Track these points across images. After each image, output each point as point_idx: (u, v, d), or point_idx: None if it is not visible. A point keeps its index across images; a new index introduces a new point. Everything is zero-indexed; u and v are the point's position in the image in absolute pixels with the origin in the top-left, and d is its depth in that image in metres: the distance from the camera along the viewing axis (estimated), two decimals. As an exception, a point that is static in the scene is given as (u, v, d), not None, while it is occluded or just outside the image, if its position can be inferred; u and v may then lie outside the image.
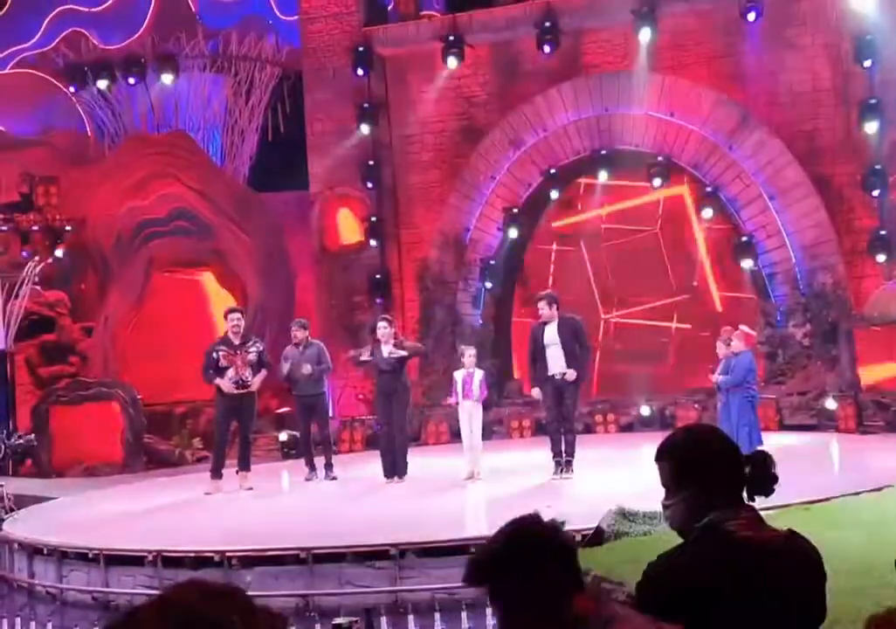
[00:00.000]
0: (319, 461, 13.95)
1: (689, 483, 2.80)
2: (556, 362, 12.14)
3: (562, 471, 12.23)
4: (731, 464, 2.81)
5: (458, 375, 13.01)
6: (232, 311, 13.70)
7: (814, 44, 17.95)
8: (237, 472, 13.53)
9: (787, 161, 17.73)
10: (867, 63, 17.22)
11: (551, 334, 12.19)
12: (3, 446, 13.35)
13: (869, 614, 2.54)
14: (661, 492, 2.94)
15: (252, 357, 13.10)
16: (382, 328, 12.99)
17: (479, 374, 12.93)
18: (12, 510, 12.93)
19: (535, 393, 12.52)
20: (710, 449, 2.83)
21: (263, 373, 13.26)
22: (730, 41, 18.24)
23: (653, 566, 2.73)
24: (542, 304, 12.36)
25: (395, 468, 12.98)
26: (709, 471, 2.78)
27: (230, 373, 13.00)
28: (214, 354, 13.09)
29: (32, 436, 13.47)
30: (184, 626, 1.65)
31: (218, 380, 13.02)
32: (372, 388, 15.64)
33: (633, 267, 18.92)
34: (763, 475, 2.83)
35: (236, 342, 13.16)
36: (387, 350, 12.91)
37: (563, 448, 12.29)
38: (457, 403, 13.06)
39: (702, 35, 18.45)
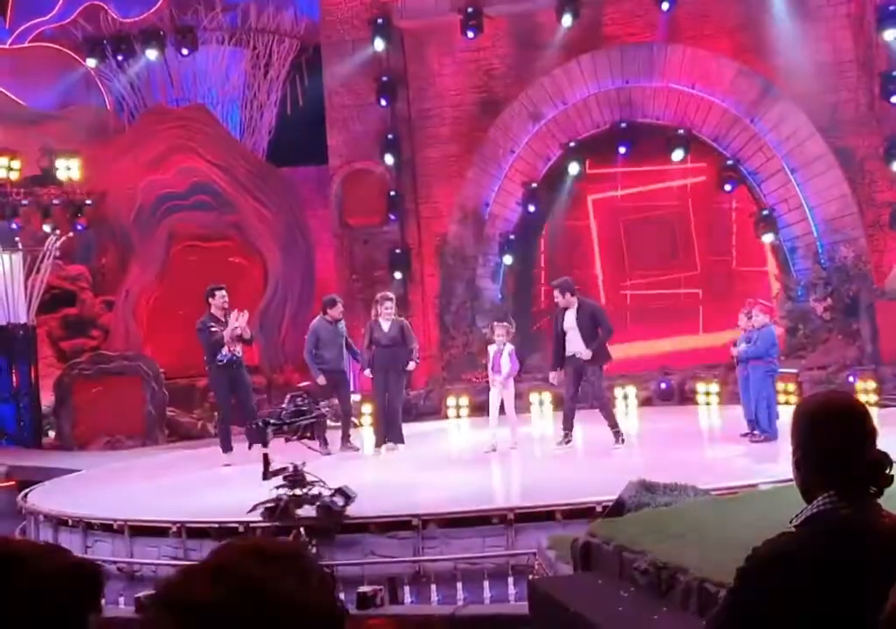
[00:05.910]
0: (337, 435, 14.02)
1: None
2: (575, 346, 12.45)
3: (620, 440, 12.57)
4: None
5: (491, 350, 13.34)
6: (219, 288, 13.67)
7: (836, 14, 17.77)
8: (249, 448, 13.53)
9: (808, 133, 17.59)
10: (890, 34, 17.06)
11: (570, 320, 12.49)
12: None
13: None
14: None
15: (238, 331, 13.19)
16: (389, 307, 13.58)
17: (508, 349, 13.07)
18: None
19: (552, 377, 12.76)
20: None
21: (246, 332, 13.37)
22: (752, 11, 18.05)
23: (762, 549, 2.57)
24: (556, 294, 12.63)
25: (387, 436, 13.56)
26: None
27: (224, 350, 13.13)
28: (214, 328, 13.20)
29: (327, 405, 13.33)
30: (239, 593, 1.61)
31: (226, 331, 13.08)
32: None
33: (651, 240, 18.89)
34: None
35: (222, 319, 13.29)
36: (386, 326, 13.51)
37: (573, 422, 12.67)
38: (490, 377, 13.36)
39: (723, 5, 18.28)
